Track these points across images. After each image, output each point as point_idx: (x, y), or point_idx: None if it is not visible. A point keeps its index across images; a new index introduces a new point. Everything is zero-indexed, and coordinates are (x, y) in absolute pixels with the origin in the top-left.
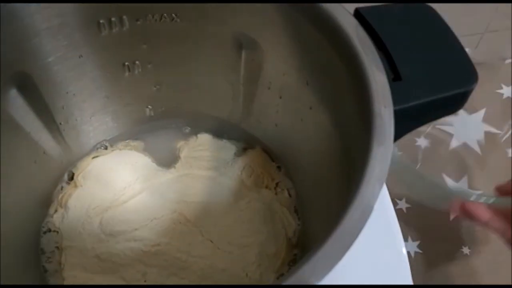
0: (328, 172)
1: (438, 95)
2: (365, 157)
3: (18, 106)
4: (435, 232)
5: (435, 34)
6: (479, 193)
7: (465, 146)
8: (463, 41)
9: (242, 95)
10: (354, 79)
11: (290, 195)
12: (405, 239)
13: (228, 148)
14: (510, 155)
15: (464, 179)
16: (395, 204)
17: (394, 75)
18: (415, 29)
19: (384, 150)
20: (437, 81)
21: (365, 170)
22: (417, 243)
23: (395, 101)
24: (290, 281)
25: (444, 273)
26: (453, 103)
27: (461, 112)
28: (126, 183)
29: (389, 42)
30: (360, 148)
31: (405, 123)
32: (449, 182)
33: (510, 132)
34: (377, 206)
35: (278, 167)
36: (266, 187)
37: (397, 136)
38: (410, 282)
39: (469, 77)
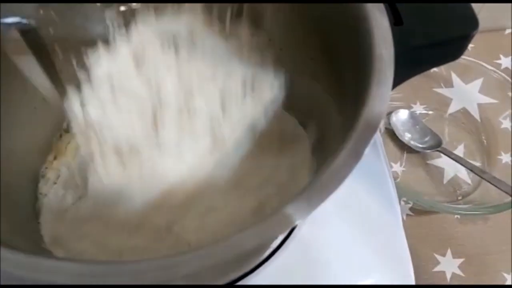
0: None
1: (437, 38)
2: (363, 98)
3: (18, 50)
4: None
5: None
6: None
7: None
8: None
9: None
10: (357, 22)
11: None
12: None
13: None
14: (503, 126)
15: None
16: None
17: (396, 20)
18: None
19: (384, 91)
20: (437, 25)
21: (362, 110)
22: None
23: (396, 44)
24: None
25: None
26: (452, 48)
27: (457, 81)
28: None
29: None
30: (358, 90)
31: (406, 67)
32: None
33: (506, 104)
34: (373, 165)
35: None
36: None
37: (398, 81)
38: (402, 232)
39: (469, 22)
